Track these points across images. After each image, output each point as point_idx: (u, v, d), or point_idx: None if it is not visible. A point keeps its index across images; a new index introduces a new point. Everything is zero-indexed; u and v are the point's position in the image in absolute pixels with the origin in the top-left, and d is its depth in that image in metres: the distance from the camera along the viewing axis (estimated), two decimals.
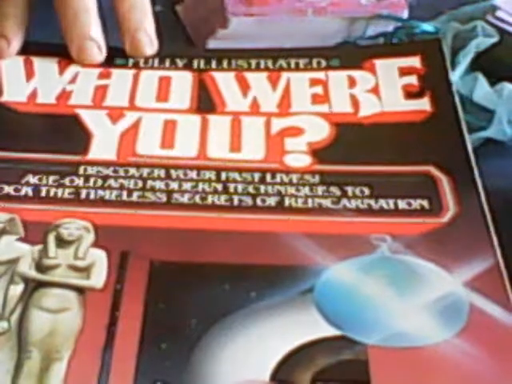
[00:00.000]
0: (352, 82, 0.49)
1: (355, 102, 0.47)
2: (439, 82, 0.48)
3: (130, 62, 0.50)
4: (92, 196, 0.41)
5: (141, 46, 0.50)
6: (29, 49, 0.50)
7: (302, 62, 0.50)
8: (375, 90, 0.48)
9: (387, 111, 0.47)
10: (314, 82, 0.49)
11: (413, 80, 0.48)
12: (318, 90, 0.48)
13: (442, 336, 0.36)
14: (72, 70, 0.49)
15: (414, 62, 0.49)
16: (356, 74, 0.49)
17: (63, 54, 0.49)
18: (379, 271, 0.38)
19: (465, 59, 0.50)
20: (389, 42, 0.54)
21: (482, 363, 0.35)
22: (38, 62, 0.49)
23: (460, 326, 0.36)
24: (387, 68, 0.49)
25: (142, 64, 0.50)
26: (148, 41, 0.50)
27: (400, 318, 0.36)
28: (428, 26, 0.54)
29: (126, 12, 0.50)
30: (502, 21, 0.52)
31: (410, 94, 0.48)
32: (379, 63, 0.49)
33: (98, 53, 0.49)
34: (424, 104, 0.47)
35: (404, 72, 0.49)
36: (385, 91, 0.48)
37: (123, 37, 0.50)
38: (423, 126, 0.46)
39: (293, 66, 0.50)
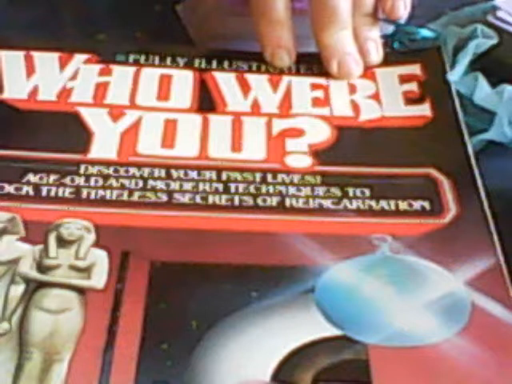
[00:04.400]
0: (352, 89, 0.49)
1: (356, 107, 0.47)
2: (440, 88, 0.49)
3: (131, 58, 0.50)
4: (93, 196, 0.41)
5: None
6: (29, 44, 0.50)
7: (302, 67, 0.50)
8: (376, 96, 0.48)
9: (388, 116, 0.47)
10: (315, 87, 0.49)
11: (413, 87, 0.49)
12: (319, 94, 0.48)
13: (444, 335, 0.36)
14: (72, 65, 0.49)
15: (414, 69, 0.50)
16: (357, 81, 0.49)
17: (63, 49, 0.49)
18: (380, 271, 0.38)
19: (464, 58, 0.50)
20: (390, 45, 0.54)
21: (484, 362, 0.35)
22: (38, 58, 0.49)
23: (461, 326, 0.36)
24: (387, 76, 0.49)
25: (142, 61, 0.50)
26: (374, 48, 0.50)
27: (401, 318, 0.36)
28: (427, 32, 0.54)
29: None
30: (503, 21, 0.52)
31: (410, 100, 0.48)
32: (379, 71, 0.50)
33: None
34: (424, 109, 0.47)
35: (404, 79, 0.49)
36: (385, 97, 0.48)
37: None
38: (424, 130, 0.46)
39: (293, 70, 0.50)
